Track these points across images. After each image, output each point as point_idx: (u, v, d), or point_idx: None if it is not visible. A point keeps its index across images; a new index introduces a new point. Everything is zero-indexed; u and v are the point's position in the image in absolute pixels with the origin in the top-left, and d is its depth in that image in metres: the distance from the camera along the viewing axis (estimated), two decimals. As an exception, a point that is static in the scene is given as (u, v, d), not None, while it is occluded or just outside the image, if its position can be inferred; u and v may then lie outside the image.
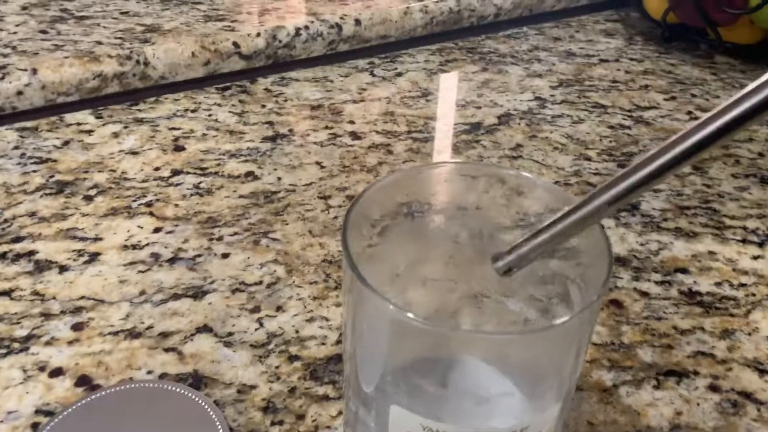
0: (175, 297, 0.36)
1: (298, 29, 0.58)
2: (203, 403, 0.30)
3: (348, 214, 0.22)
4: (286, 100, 0.53)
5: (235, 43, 0.55)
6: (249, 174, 0.45)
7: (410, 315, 0.19)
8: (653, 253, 0.40)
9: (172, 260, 0.38)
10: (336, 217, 0.41)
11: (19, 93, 0.49)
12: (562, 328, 0.20)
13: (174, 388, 0.30)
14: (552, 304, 0.28)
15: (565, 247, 0.25)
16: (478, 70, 0.59)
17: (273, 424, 0.30)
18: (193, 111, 0.51)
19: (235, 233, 0.40)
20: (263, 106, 0.52)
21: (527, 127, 0.51)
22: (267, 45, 0.56)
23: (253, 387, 0.31)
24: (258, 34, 0.56)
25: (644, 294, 0.37)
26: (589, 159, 0.47)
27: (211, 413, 0.29)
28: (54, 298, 0.35)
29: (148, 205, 0.42)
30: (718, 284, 0.38)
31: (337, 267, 0.38)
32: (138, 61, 0.52)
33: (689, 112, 0.53)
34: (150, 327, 0.34)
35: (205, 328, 0.34)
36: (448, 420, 0.20)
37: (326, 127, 0.50)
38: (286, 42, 0.57)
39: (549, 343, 0.20)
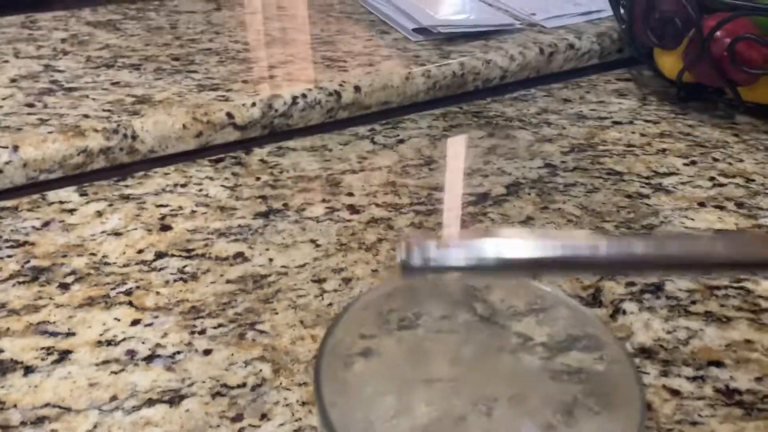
0: (150, 403, 0.32)
1: (295, 98, 0.56)
2: None
3: (326, 338, 0.19)
4: (281, 172, 0.50)
5: (228, 114, 0.53)
6: (238, 255, 0.42)
7: None
8: (682, 343, 0.36)
9: (149, 358, 0.34)
10: (330, 304, 0.38)
11: None
12: None
13: None
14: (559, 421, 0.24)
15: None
16: (485, 135, 0.56)
17: None
18: (183, 186, 0.48)
19: (220, 325, 0.36)
20: (258, 179, 0.49)
21: (538, 197, 0.47)
22: (263, 115, 0.54)
23: None
24: (253, 104, 0.54)
25: (675, 393, 0.33)
26: (606, 232, 0.44)
27: None
28: (15, 406, 0.32)
29: (128, 293, 0.39)
30: (759, 380, 0.33)
31: (330, 363, 0.34)
32: (125, 135, 0.50)
33: (712, 178, 0.50)
34: (119, 440, 0.30)
35: (180, 441, 0.30)
36: None
37: (323, 200, 0.47)
38: (282, 111, 0.55)
39: None
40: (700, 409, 0.32)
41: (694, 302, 0.38)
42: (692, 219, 0.45)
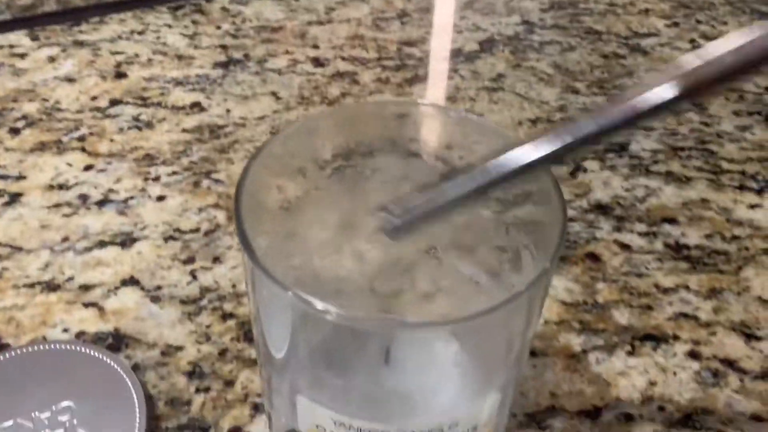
0: (101, 245, 0.32)
1: (260, -60, 0.52)
2: (119, 368, 0.26)
3: (251, 162, 0.18)
4: (244, 21, 0.48)
5: (188, -44, 0.49)
6: (195, 105, 0.40)
7: (312, 301, 0.15)
8: (639, 200, 0.36)
9: (102, 203, 0.34)
10: (289, 156, 0.37)
11: (-56, 10, 0.44)
12: (503, 310, 0.16)
13: (89, 351, 0.27)
14: (503, 270, 0.24)
15: (519, 203, 0.21)
16: (462, -11, 0.53)
17: (198, 391, 0.26)
18: (140, 33, 0.46)
19: (174, 173, 0.36)
20: (218, 28, 0.47)
21: (511, 55, 0.46)
22: (224, -42, 0.50)
23: (179, 348, 0.28)
24: (214, -54, 0.50)
25: (625, 247, 0.33)
26: (576, 92, 0.43)
27: (127, 380, 0.26)
28: (-35, 244, 0.32)
29: (81, 139, 0.38)
30: (709, 236, 0.34)
31: (285, 212, 0.34)
32: (77, -25, 0.47)
33: (692, 40, 0.48)
34: (70, 278, 0.30)
35: (131, 281, 0.30)
36: (362, 416, 0.17)
37: (286, 52, 0.45)
38: (246, -45, 0.52)
39: (487, 327, 0.17)
40: (647, 263, 0.32)
41: (656, 162, 0.38)
42: (666, 81, 0.44)
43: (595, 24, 0.49)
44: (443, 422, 0.17)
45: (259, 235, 0.20)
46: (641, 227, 0.34)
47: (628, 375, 0.28)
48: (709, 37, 0.48)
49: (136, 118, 0.39)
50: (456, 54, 0.46)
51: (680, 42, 0.48)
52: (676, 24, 0.50)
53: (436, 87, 0.42)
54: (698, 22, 0.50)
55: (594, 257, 0.33)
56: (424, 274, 0.27)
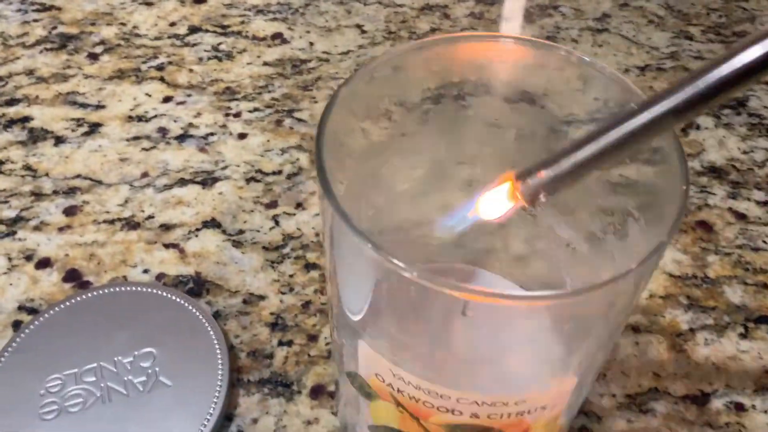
0: (182, 183, 0.31)
1: None
2: (201, 316, 0.26)
3: (334, 98, 0.16)
4: (328, -54, 0.45)
5: None
6: (277, 36, 0.38)
7: (397, 263, 0.13)
8: (758, 165, 0.32)
9: (182, 137, 0.33)
10: (374, 96, 0.35)
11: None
12: (601, 290, 0.14)
13: (170, 296, 0.26)
14: (605, 236, 0.22)
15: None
16: None
17: (281, 344, 0.26)
18: (218, -46, 0.44)
19: (255, 109, 0.34)
20: (301, -48, 0.44)
21: (617, -8, 0.41)
22: None
23: (261, 298, 0.27)
24: None
25: (741, 216, 0.30)
26: (690, 38, 0.39)
27: (209, 328, 0.25)
28: (47, 174, 0.31)
29: (159, 68, 0.36)
30: (838, 210, 0.30)
31: (370, 157, 0.32)
32: None
33: (826, -18, 0.43)
34: (150, 217, 0.30)
35: (212, 223, 0.29)
36: (424, 375, 0.15)
37: (373, -18, 0.42)
38: None
39: (579, 305, 0.15)
40: (765, 235, 0.29)
41: (779, 122, 0.34)
42: (794, 29, 0.39)
43: (713, -40, 0.44)
44: (509, 396, 0.15)
45: (341, 181, 0.18)
46: (759, 195, 0.31)
47: (740, 359, 0.25)
48: None
49: (215, 48, 0.37)
50: (555, -11, 0.42)
51: (812, -16, 0.42)
52: (807, -37, 0.44)
53: (533, 25, 0.39)
54: (833, -39, 0.44)
55: (706, 226, 0.30)
56: (517, 233, 0.25)
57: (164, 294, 0.26)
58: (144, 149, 0.32)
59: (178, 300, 0.26)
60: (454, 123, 0.20)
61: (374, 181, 0.20)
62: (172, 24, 0.39)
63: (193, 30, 0.38)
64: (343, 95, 0.17)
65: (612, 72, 0.17)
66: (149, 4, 0.40)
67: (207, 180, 0.31)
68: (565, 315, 0.15)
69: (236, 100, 0.35)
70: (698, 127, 0.34)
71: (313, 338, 0.26)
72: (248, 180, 0.31)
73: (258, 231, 0.29)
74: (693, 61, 0.37)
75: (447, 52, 0.19)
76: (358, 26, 0.39)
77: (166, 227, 0.29)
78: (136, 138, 0.33)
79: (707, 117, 0.34)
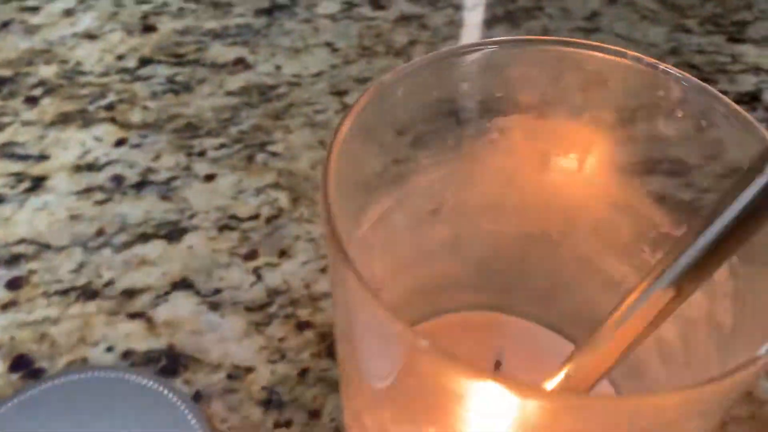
0: (144, 239, 0.27)
1: None
2: (178, 400, 0.21)
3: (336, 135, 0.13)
4: (286, -40, 0.41)
5: None
6: (239, 62, 0.34)
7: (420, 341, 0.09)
8: (786, 163, 0.29)
9: (140, 185, 0.29)
10: (355, 120, 0.31)
11: (-59, -42, 0.38)
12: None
13: (140, 379, 0.22)
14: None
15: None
16: None
17: (277, 426, 0.21)
18: (166, -23, 0.40)
19: (222, 145, 0.30)
20: (257, -31, 0.40)
21: (603, -12, 0.39)
22: None
23: (249, 370, 0.23)
24: None
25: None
26: (689, 31, 0.36)
27: (189, 414, 0.21)
28: (-17, 242, 0.26)
29: (109, 108, 0.32)
30: None
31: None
32: None
33: (817, -38, 0.40)
34: (110, 283, 0.25)
35: (183, 284, 0.25)
36: None
37: (339, -5, 0.38)
38: None
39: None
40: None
41: (799, 114, 0.31)
42: (794, 13, 0.37)
43: (697, -53, 0.42)
44: None
45: (350, 233, 0.14)
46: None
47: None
48: (836, -42, 0.40)
49: (171, 80, 0.33)
50: (536, -11, 0.39)
51: (803, -35, 0.40)
52: (794, -56, 0.42)
53: (519, 29, 0.36)
54: (820, -60, 0.42)
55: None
56: (540, 266, 0.21)
57: (133, 378, 0.22)
58: (97, 203, 0.28)
59: (149, 383, 0.22)
60: (476, 150, 0.17)
61: (388, 226, 0.17)
62: (120, 57, 0.34)
63: (145, 62, 0.34)
64: (346, 135, 0.13)
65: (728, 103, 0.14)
66: (92, 38, 0.36)
67: (173, 233, 0.27)
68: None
69: (199, 136, 0.30)
70: (714, 127, 0.31)
71: (314, 414, 0.22)
72: (221, 228, 0.27)
73: (237, 288, 0.25)
74: (696, 56, 0.34)
75: (457, 63, 0.16)
76: (329, 44, 0.35)
77: (130, 293, 0.25)
78: (88, 190, 0.28)
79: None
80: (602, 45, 0.15)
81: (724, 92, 0.33)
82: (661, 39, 0.35)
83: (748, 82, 0.33)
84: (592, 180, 0.17)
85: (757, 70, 0.34)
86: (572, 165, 0.17)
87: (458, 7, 0.37)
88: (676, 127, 0.16)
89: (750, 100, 0.32)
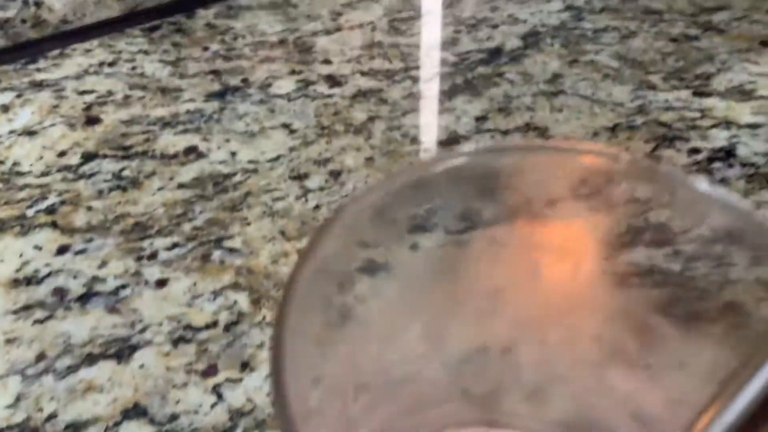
0: (90, 360, 0.24)
1: (243, -61, 0.44)
2: None
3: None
4: (235, 38, 0.40)
5: (159, -35, 0.41)
6: (191, 150, 0.32)
7: None
8: (771, 223, 0.28)
9: (85, 298, 0.26)
10: (317, 207, 0.29)
11: None
12: None
13: None
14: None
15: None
16: (486, -25, 0.46)
17: None
18: (111, 64, 0.38)
19: (175, 245, 0.28)
20: (206, 49, 0.39)
21: (563, 48, 0.38)
22: (204, -36, 0.42)
23: None
24: (190, -50, 0.42)
25: (772, 288, 0.25)
26: (653, 87, 0.35)
27: None
28: None
29: (50, 211, 0.29)
30: None
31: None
32: (26, 1, 0.38)
33: (771, 10, 0.40)
34: (52, 416, 0.22)
35: (135, 410, 0.22)
36: None
37: (293, 72, 0.37)
38: (229, -42, 0.43)
39: None
40: (806, 309, 0.25)
41: (777, 169, 0.30)
42: (756, 63, 0.36)
43: (650, 2, 0.42)
44: None
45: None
46: (784, 259, 0.26)
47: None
48: (789, 5, 0.41)
49: (117, 176, 0.31)
50: (496, 54, 0.38)
51: (758, 14, 0.40)
52: (745, -7, 0.42)
53: (482, 98, 0.35)
54: (770, -12, 0.43)
55: (733, 308, 0.25)
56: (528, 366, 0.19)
57: None
58: (37, 321, 0.25)
59: None
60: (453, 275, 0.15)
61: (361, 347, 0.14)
62: (62, 154, 0.32)
63: (89, 157, 0.32)
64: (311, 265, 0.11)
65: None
66: (31, 134, 0.33)
67: (123, 351, 0.24)
68: None
69: (149, 237, 0.28)
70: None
71: None
72: (175, 342, 0.24)
73: (196, 412, 0.22)
74: (665, 113, 0.33)
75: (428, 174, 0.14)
76: (285, 125, 0.33)
77: (75, 428, 0.22)
78: (26, 308, 0.26)
79: (698, 173, 0.30)
80: (584, 145, 0.13)
81: (698, 150, 0.32)
82: (627, 98, 0.34)
83: (720, 137, 0.32)
84: (585, 286, 0.15)
85: (727, 123, 0.33)
86: (562, 272, 0.15)
87: (416, 80, 0.36)
88: (674, 227, 0.14)
89: (725, 156, 0.31)
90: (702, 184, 0.13)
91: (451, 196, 0.14)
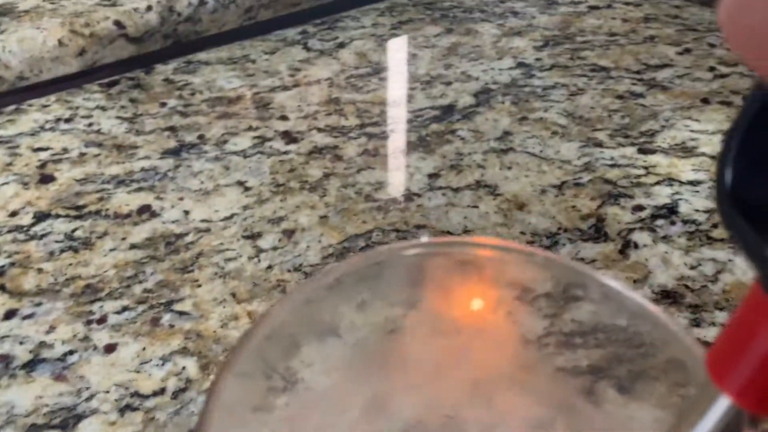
0: (34, 431, 0.24)
1: (203, -4, 0.44)
2: None
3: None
4: (193, 94, 0.40)
5: (117, 23, 0.41)
6: (144, 209, 0.32)
7: None
8: (710, 280, 0.29)
9: (31, 365, 0.26)
10: (270, 267, 0.29)
11: None
12: None
13: None
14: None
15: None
16: (442, 31, 0.47)
17: None
18: (67, 120, 0.38)
19: (124, 308, 0.28)
20: (162, 105, 0.39)
21: (513, 105, 0.39)
22: (162, 21, 0.43)
23: None
24: (148, 7, 0.43)
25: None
26: (599, 144, 0.36)
27: None
28: None
29: (-2, 273, 0.29)
30: (808, 320, 0.27)
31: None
32: (-18, 58, 0.39)
33: (711, 68, 0.42)
34: (-9, 492, 0.22)
35: (78, 484, 0.22)
36: None
37: (249, 128, 0.37)
38: (187, 14, 0.44)
39: None
40: (743, 366, 0.26)
41: (716, 225, 0.31)
42: (697, 120, 0.38)
43: (599, 59, 0.43)
44: None
45: None
46: (723, 316, 0.27)
47: None
48: (728, 63, 0.43)
49: (69, 236, 0.31)
50: (449, 111, 0.39)
51: (699, 71, 0.42)
52: (688, 51, 0.44)
53: (434, 155, 0.35)
54: (711, 45, 0.45)
55: (678, 364, 0.26)
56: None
57: None
58: (-20, 390, 0.25)
59: None
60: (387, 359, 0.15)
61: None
62: (13, 214, 0.32)
63: (41, 217, 0.32)
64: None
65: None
66: (-17, 192, 0.33)
67: (68, 420, 0.24)
68: None
69: (99, 300, 0.28)
70: (636, 246, 0.30)
71: None
72: (122, 410, 0.24)
73: (141, 485, 0.22)
74: (610, 171, 0.34)
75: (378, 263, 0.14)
76: (240, 183, 0.34)
77: (14, 504, 0.22)
78: (-31, 376, 0.25)
79: (643, 232, 0.31)
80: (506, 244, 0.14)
81: (642, 207, 0.33)
82: (574, 155, 0.35)
83: (663, 194, 0.33)
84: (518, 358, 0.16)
85: (670, 180, 0.34)
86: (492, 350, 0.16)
87: (371, 136, 0.36)
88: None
89: (668, 213, 0.32)
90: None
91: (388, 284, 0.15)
